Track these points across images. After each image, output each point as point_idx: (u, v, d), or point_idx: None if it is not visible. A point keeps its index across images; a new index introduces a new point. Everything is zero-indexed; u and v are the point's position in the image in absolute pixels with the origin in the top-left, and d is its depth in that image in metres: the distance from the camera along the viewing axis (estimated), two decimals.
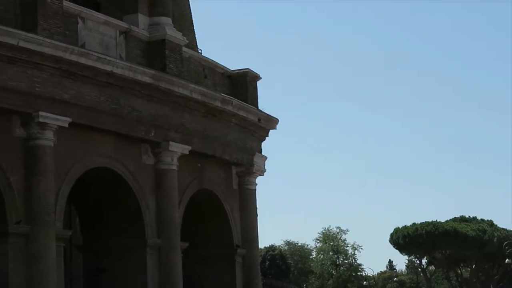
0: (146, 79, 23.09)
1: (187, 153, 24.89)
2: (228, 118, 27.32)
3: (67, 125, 20.87)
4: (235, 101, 27.25)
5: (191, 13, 29.99)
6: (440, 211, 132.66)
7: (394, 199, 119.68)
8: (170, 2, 26.06)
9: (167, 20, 25.46)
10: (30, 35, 20.09)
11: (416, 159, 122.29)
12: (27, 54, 20.01)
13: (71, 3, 22.67)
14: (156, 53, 24.89)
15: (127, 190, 23.44)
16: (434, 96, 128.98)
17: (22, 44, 19.86)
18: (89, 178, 22.43)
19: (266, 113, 29.12)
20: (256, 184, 29.03)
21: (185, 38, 26.47)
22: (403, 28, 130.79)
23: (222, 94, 27.09)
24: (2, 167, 19.83)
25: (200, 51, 30.17)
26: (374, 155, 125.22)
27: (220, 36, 76.77)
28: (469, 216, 75.90)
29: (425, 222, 72.87)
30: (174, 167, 24.63)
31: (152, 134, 23.92)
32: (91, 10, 23.59)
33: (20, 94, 20.03)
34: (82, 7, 23.14)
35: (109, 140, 22.84)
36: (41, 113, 20.28)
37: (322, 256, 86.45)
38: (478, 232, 68.91)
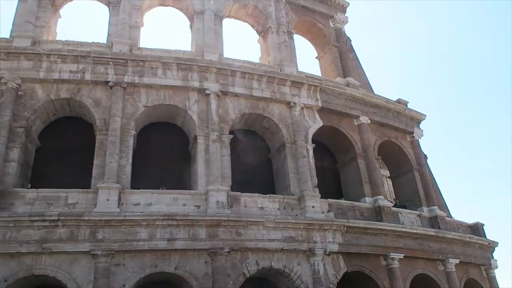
0: (431, 233, 38.20)
1: (458, 262, 39.59)
2: (473, 245, 42.39)
3: (402, 257, 35.88)
4: (475, 237, 42.34)
5: (445, 204, 48.56)
6: None
7: None
8: (435, 199, 41.30)
9: (435, 208, 40.94)
10: (380, 223, 36.70)
11: None
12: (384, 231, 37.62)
13: (396, 208, 40.72)
14: (434, 221, 40.19)
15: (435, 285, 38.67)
16: None
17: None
18: None
19: (491, 240, 44.64)
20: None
21: (445, 214, 41.70)
22: None
23: (469, 234, 42.16)
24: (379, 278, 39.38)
25: (452, 217, 44.52)
26: None
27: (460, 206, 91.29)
28: None
29: None
30: (454, 270, 39.22)
31: (440, 256, 38.97)
32: (403, 208, 41.36)
33: (378, 247, 36.68)
34: (400, 208, 39.58)
35: (420, 261, 37.60)
36: (392, 254, 35.89)
37: None
38: None
